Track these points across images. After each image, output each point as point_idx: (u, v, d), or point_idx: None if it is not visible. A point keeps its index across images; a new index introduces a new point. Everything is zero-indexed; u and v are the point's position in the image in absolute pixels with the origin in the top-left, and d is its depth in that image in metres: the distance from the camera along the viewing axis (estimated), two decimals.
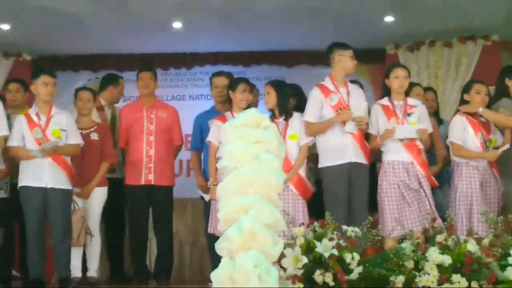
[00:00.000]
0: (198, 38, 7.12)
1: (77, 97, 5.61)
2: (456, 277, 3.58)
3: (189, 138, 6.03)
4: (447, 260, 3.62)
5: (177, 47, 7.46)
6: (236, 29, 6.78)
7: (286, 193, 4.79)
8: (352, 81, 5.36)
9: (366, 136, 5.07)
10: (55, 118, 5.08)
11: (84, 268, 5.43)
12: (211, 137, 5.19)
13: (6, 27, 6.67)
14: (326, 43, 5.22)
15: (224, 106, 5.56)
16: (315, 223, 3.82)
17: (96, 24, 6.59)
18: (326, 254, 3.57)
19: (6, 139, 4.99)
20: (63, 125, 5.09)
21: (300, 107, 5.19)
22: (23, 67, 7.23)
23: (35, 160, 4.92)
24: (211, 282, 2.86)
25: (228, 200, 2.94)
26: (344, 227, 3.89)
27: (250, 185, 2.92)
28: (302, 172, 5.01)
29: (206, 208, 5.47)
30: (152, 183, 5.58)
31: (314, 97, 5.06)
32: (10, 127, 5.04)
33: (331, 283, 3.51)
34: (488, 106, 5.14)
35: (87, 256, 5.44)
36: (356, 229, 3.85)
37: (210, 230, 5.13)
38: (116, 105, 6.25)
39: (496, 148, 4.97)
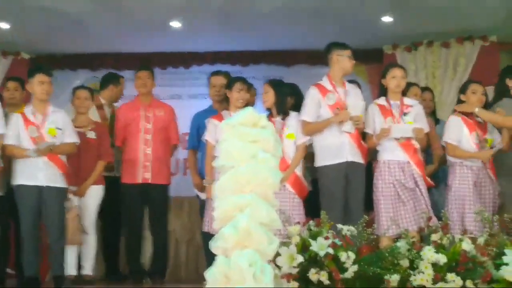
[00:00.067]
0: (196, 38, 7.11)
1: (75, 95, 5.62)
2: (451, 276, 3.58)
3: (186, 137, 6.04)
4: (442, 259, 3.63)
5: (175, 46, 7.45)
6: (235, 28, 6.77)
7: (282, 192, 4.79)
8: (350, 81, 5.37)
9: (363, 135, 5.09)
10: (51, 117, 5.09)
11: (80, 267, 5.43)
12: (207, 136, 5.20)
13: (4, 26, 6.67)
14: (325, 42, 5.23)
15: (221, 105, 5.57)
16: (311, 222, 3.83)
17: (94, 23, 6.58)
18: (321, 253, 3.58)
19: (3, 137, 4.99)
20: (59, 124, 5.10)
21: (298, 106, 5.20)
22: (21, 65, 7.22)
23: (30, 158, 4.93)
24: (206, 280, 2.87)
25: (225, 199, 2.94)
26: (340, 225, 3.90)
27: (246, 184, 2.92)
28: (299, 171, 5.02)
29: (201, 207, 5.48)
30: (149, 181, 5.59)
31: (312, 96, 5.07)
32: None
33: (326, 282, 3.52)
34: (488, 106, 5.15)
35: (82, 254, 5.44)
36: (352, 228, 3.86)
37: (205, 228, 5.14)
38: (116, 104, 6.26)
39: (492, 148, 4.99)
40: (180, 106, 6.54)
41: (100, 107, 6.04)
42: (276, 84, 5.17)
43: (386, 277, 3.57)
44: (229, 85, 5.29)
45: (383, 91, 5.10)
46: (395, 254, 3.67)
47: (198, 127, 5.64)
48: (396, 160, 4.87)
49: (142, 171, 5.60)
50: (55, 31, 6.77)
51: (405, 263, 3.66)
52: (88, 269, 5.43)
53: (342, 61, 5.08)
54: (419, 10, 6.26)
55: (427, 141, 5.20)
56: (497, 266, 3.62)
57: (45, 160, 4.96)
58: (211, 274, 2.83)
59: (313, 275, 3.54)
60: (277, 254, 3.51)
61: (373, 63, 7.28)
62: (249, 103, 5.33)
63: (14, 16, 6.41)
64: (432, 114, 5.85)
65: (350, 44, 5.17)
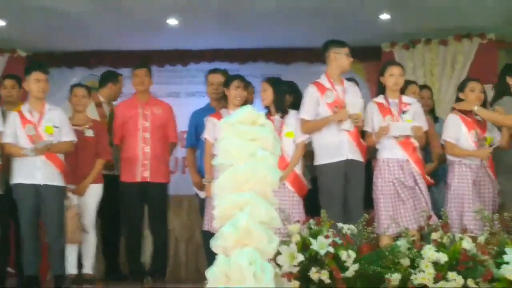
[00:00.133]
0: (194, 35, 7.10)
1: (72, 93, 5.59)
2: (451, 275, 3.58)
3: (184, 135, 6.02)
4: (442, 257, 3.63)
5: (173, 44, 7.44)
6: (233, 26, 6.76)
7: (282, 190, 4.78)
8: (348, 79, 5.36)
9: (362, 134, 5.08)
10: (48, 115, 5.07)
11: (80, 266, 5.40)
12: (206, 134, 5.19)
13: (1, 23, 6.64)
14: (323, 40, 5.22)
15: (219, 103, 5.55)
16: (311, 221, 3.82)
17: (92, 21, 6.56)
18: (322, 252, 3.57)
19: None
20: (56, 122, 5.08)
21: (296, 104, 5.19)
22: (18, 63, 7.19)
23: (28, 157, 4.91)
24: (206, 279, 2.86)
25: (224, 197, 2.93)
26: (340, 224, 3.89)
27: (245, 182, 2.92)
28: (298, 169, 5.02)
29: (201, 206, 5.46)
30: (148, 180, 5.57)
31: (310, 94, 5.06)
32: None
33: (327, 281, 3.52)
34: (486, 104, 5.14)
35: (82, 253, 5.42)
36: (352, 226, 3.85)
37: (205, 227, 5.13)
38: (114, 102, 6.24)
39: (491, 146, 4.98)
40: (178, 104, 6.53)
41: (99, 105, 6.03)
42: (275, 82, 5.16)
43: (386, 276, 3.57)
44: (226, 83, 5.28)
45: (381, 89, 5.09)
46: (395, 253, 3.67)
47: (196, 125, 5.62)
48: (395, 159, 4.86)
49: (141, 170, 5.57)
50: (52, 29, 6.74)
51: (405, 262, 3.66)
52: (88, 268, 5.42)
53: (339, 58, 5.07)
54: (417, 8, 6.26)
55: (426, 139, 5.19)
56: (498, 265, 3.62)
57: (43, 159, 4.94)
58: (211, 274, 2.81)
59: (314, 274, 3.53)
60: (278, 253, 3.51)
61: (371, 61, 7.27)
62: (247, 101, 5.32)
63: (11, 13, 6.37)
64: (431, 112, 5.84)
65: (348, 41, 5.16)
